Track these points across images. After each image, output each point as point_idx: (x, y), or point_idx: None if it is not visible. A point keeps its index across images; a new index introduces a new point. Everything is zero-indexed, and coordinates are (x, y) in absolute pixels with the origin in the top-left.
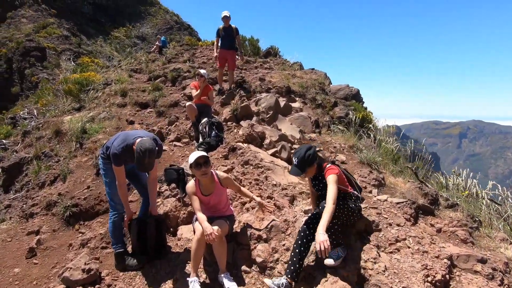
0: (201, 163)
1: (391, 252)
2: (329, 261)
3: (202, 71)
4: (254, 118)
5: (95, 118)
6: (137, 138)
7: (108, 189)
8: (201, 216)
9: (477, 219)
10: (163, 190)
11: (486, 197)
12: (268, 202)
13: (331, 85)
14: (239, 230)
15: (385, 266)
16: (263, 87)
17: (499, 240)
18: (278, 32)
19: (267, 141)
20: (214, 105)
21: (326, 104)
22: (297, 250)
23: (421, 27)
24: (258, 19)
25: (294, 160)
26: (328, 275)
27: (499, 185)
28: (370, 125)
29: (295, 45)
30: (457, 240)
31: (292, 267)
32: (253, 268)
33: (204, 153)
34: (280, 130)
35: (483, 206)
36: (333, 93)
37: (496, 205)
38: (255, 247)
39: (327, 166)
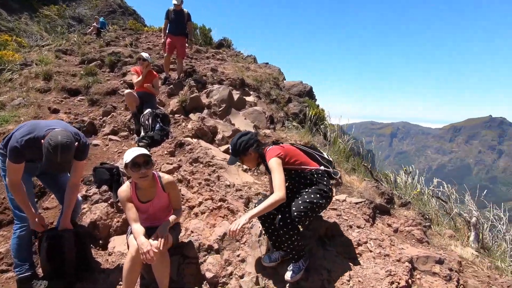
0: (140, 164)
1: (353, 258)
2: (288, 275)
3: (145, 54)
4: (205, 111)
5: (6, 105)
6: (50, 130)
7: (11, 195)
8: (137, 228)
9: (427, 217)
10: (91, 194)
11: (434, 194)
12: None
13: (285, 81)
14: (185, 241)
15: (350, 274)
16: (215, 78)
17: (448, 237)
18: (230, 27)
19: (219, 136)
20: (159, 95)
21: (281, 99)
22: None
23: (358, 31)
24: (210, 10)
25: (230, 148)
26: None
27: (444, 182)
28: (325, 122)
29: (248, 40)
30: (413, 240)
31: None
32: (202, 285)
33: (144, 151)
34: (233, 125)
35: (431, 204)
36: (287, 89)
37: (442, 202)
38: (204, 260)
39: (267, 150)
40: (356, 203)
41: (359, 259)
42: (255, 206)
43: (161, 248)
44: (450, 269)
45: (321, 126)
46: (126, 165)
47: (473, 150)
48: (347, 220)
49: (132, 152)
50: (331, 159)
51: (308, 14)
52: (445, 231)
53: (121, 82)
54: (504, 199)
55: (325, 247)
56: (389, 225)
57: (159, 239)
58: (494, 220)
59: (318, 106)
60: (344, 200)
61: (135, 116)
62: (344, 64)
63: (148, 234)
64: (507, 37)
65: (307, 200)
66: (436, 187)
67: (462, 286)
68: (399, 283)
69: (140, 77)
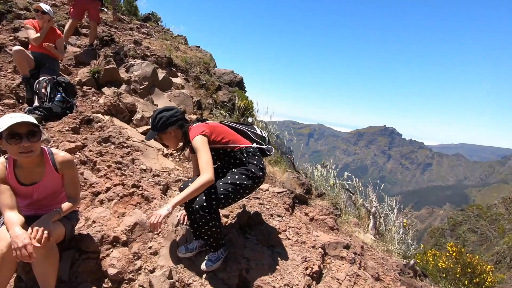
0: (22, 134)
1: (273, 246)
2: (204, 265)
3: (45, 6)
4: (123, 87)
5: None
6: None
7: None
8: (11, 217)
9: (338, 207)
10: None
11: (343, 187)
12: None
13: (216, 67)
14: (84, 233)
15: (263, 262)
16: (138, 52)
17: (353, 225)
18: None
19: (138, 115)
20: (63, 59)
21: (210, 86)
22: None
23: (289, 33)
24: None
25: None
26: (205, 281)
27: (353, 176)
28: (254, 113)
29: (180, 20)
30: (326, 228)
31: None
32: (103, 284)
33: (30, 118)
34: (156, 105)
35: (341, 195)
36: (218, 77)
37: (350, 194)
38: (108, 255)
39: (191, 128)
40: (278, 193)
41: (278, 247)
42: (180, 191)
43: (36, 244)
44: (355, 253)
45: (249, 118)
46: (0, 135)
47: (370, 153)
48: (268, 209)
49: (11, 118)
50: (265, 135)
51: (249, 13)
52: (351, 220)
53: (11, 38)
54: (389, 194)
55: (246, 236)
56: (306, 214)
57: (36, 232)
58: (388, 210)
59: (247, 97)
60: (267, 190)
61: (27, 82)
62: (272, 64)
63: (30, 224)
64: (400, 57)
65: (229, 182)
66: (346, 180)
67: (363, 267)
68: (312, 268)
69: (39, 34)
